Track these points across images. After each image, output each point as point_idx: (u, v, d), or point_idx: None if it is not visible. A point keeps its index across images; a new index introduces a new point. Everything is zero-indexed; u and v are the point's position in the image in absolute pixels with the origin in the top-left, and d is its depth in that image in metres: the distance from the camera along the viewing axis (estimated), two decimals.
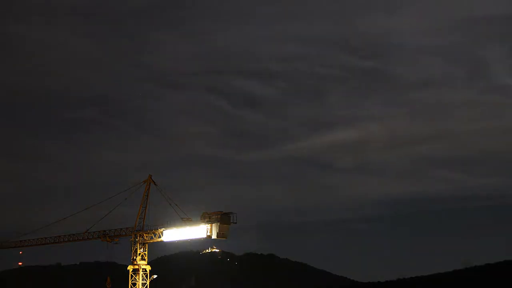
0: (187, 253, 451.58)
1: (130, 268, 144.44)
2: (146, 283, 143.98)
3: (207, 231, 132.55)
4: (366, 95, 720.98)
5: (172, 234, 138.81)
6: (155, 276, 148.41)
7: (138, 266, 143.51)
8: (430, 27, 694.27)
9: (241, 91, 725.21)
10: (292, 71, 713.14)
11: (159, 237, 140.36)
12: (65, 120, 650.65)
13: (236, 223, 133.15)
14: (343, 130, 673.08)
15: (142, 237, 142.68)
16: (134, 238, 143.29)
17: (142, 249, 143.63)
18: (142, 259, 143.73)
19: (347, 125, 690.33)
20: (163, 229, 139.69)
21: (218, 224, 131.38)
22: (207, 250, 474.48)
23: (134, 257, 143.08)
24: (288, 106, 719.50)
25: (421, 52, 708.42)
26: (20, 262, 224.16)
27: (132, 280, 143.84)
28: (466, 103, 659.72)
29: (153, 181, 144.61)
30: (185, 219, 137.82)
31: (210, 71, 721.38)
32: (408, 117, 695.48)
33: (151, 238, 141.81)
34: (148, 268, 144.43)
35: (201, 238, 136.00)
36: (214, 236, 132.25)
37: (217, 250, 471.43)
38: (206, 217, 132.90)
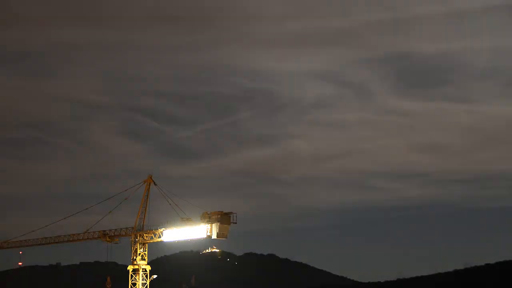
0: (187, 253, 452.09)
1: (130, 268, 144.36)
2: (146, 283, 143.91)
3: (207, 231, 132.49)
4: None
5: (172, 234, 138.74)
6: (155, 276, 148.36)
7: (138, 266, 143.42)
8: None
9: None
10: None
11: (159, 237, 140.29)
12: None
13: (236, 223, 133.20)
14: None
15: (142, 237, 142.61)
16: (134, 238, 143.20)
17: (142, 249, 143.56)
18: (142, 259, 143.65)
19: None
20: (163, 229, 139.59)
21: (218, 224, 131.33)
22: (207, 250, 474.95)
23: (134, 257, 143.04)
24: None
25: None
26: (20, 262, 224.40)
27: (132, 280, 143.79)
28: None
29: (153, 181, 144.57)
30: (185, 219, 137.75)
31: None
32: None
33: (151, 238, 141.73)
34: (148, 268, 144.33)
35: (201, 238, 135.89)
36: (214, 236, 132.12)
37: (217, 250, 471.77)
38: (206, 217, 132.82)
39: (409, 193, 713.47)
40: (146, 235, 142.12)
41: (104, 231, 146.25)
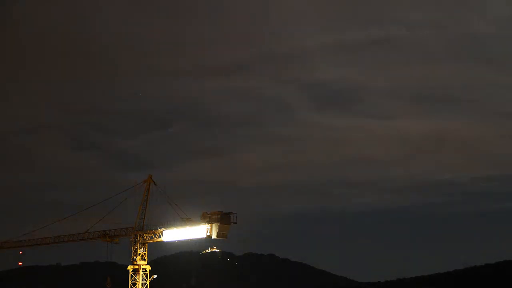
0: (187, 253, 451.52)
1: (130, 268, 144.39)
2: (146, 283, 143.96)
3: (207, 231, 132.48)
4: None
5: (172, 234, 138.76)
6: (155, 276, 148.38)
7: (138, 266, 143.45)
8: None
9: None
10: None
11: (159, 237, 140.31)
12: None
13: (236, 223, 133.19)
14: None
15: (142, 237, 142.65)
16: (134, 238, 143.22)
17: (142, 249, 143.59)
18: (142, 259, 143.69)
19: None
20: (163, 229, 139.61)
21: (218, 224, 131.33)
22: (207, 250, 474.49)
23: (134, 257, 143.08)
24: None
25: None
26: (20, 262, 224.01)
27: (132, 280, 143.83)
28: None
29: (153, 181, 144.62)
30: (185, 219, 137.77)
31: None
32: None
33: (151, 238, 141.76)
34: (148, 268, 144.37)
35: (201, 238, 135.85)
36: (214, 236, 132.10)
37: (217, 250, 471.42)
38: (206, 217, 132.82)
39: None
40: (146, 235, 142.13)
41: (104, 231, 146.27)
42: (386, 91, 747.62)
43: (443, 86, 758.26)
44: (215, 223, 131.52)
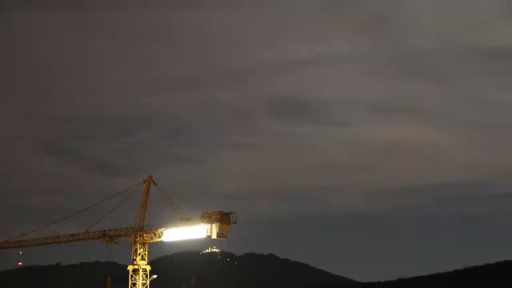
0: (187, 253, 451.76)
1: (130, 268, 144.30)
2: (146, 283, 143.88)
3: (207, 231, 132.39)
4: None
5: (172, 234, 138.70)
6: (155, 276, 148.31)
7: (138, 266, 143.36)
8: None
9: None
10: None
11: (159, 237, 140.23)
12: None
13: (236, 223, 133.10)
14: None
15: (142, 237, 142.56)
16: (134, 238, 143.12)
17: (142, 249, 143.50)
18: (142, 259, 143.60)
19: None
20: (163, 229, 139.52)
21: (218, 224, 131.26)
22: (207, 250, 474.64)
23: (134, 257, 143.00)
24: None
25: None
26: (20, 262, 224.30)
27: (132, 280, 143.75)
28: None
29: (153, 181, 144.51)
30: (185, 219, 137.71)
31: None
32: None
33: (151, 238, 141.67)
34: (148, 268, 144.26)
35: (201, 238, 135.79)
36: (214, 236, 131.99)
37: (217, 250, 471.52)
38: (206, 217, 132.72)
39: None
40: (146, 235, 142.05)
41: (104, 231, 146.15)
42: (343, 101, 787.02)
43: (397, 97, 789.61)
44: (215, 223, 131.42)
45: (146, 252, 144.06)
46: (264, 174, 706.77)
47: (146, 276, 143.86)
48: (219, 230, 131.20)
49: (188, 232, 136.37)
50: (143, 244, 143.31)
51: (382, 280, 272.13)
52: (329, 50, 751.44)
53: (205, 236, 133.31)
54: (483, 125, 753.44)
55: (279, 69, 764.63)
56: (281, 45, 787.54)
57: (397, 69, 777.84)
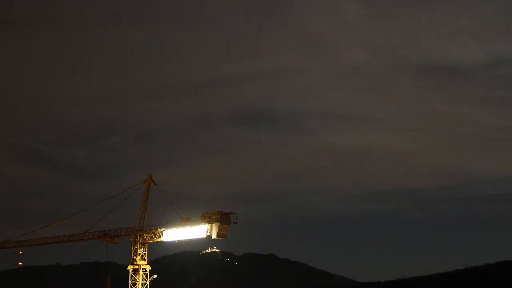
0: (187, 253, 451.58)
1: (130, 268, 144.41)
2: (146, 283, 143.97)
3: (207, 231, 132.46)
4: None
5: (172, 234, 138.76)
6: (155, 276, 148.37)
7: (138, 266, 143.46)
8: None
9: None
10: None
11: (159, 237, 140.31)
12: None
13: (236, 223, 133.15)
14: None
15: (142, 237, 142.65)
16: (134, 238, 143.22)
17: (142, 249, 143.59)
18: (142, 259, 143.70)
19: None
20: (163, 229, 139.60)
21: (218, 224, 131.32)
22: (207, 250, 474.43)
23: (134, 257, 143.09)
24: None
25: None
26: (20, 262, 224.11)
27: (132, 280, 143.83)
28: None
29: (153, 181, 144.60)
30: (185, 219, 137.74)
31: None
32: None
33: (151, 238, 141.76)
34: (148, 268, 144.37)
35: (201, 238, 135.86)
36: (214, 236, 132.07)
37: (217, 250, 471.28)
38: (206, 217, 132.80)
39: None
40: (146, 235, 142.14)
41: (104, 231, 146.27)
42: (303, 110, 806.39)
43: (353, 106, 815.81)
44: (215, 223, 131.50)
45: (146, 252, 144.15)
46: (241, 178, 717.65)
47: (146, 276, 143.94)
48: (219, 230, 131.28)
49: (188, 232, 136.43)
50: (143, 244, 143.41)
51: (382, 280, 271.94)
52: (285, 63, 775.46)
53: (205, 236, 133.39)
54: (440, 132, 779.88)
55: (242, 81, 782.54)
56: (244, 58, 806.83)
57: (345, 81, 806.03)
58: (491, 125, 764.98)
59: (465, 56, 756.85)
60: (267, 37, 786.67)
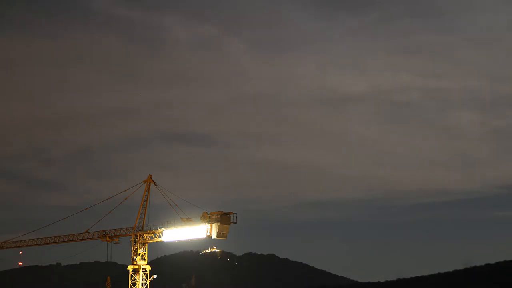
0: (187, 253, 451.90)
1: (130, 268, 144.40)
2: (146, 283, 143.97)
3: (207, 231, 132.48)
4: None
5: (172, 234, 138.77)
6: (155, 276, 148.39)
7: (138, 266, 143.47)
8: None
9: None
10: None
11: (159, 237, 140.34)
12: None
13: (236, 223, 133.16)
14: None
15: (142, 237, 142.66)
16: (134, 238, 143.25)
17: (142, 249, 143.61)
18: (142, 259, 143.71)
19: None
20: (163, 229, 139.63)
21: (218, 224, 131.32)
22: (207, 250, 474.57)
23: (134, 257, 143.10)
24: None
25: None
26: (20, 262, 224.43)
27: (132, 280, 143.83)
28: None
29: (153, 181, 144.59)
30: (185, 219, 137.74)
31: None
32: None
33: (151, 238, 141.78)
34: (148, 268, 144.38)
35: (201, 238, 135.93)
36: (214, 236, 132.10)
37: (217, 250, 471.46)
38: (206, 217, 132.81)
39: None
40: (146, 235, 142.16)
41: (104, 231, 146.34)
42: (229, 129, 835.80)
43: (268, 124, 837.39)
44: (215, 223, 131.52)
45: (146, 252, 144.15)
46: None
47: (146, 276, 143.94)
48: (219, 230, 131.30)
49: (188, 232, 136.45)
50: (143, 244, 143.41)
51: (382, 280, 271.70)
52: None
53: (205, 236, 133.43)
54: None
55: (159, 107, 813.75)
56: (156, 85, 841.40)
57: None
58: None
59: None
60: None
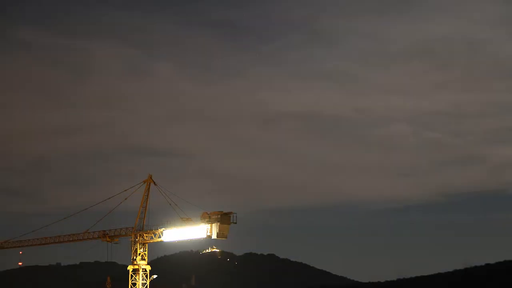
0: (187, 253, 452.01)
1: (130, 268, 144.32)
2: (146, 283, 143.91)
3: (207, 231, 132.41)
4: None
5: (172, 234, 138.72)
6: (155, 276, 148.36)
7: (138, 266, 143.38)
8: None
9: None
10: None
11: (159, 237, 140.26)
12: None
13: (236, 223, 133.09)
14: None
15: (142, 237, 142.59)
16: (134, 238, 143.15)
17: (142, 249, 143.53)
18: (142, 259, 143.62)
19: None
20: (163, 229, 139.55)
21: (218, 224, 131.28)
22: (207, 250, 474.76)
23: (134, 257, 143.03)
24: None
25: None
26: (20, 262, 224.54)
27: (132, 280, 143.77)
28: None
29: (153, 181, 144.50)
30: (185, 219, 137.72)
31: None
32: None
33: (151, 238, 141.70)
34: (148, 268, 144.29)
35: (201, 238, 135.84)
36: (214, 236, 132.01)
37: (217, 250, 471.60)
38: (206, 217, 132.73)
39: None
40: (146, 235, 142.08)
41: (104, 231, 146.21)
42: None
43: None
44: (215, 223, 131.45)
45: (146, 252, 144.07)
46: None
47: (146, 276, 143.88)
48: (219, 230, 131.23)
49: (188, 232, 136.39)
50: (143, 244, 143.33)
51: (382, 280, 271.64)
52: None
53: (205, 236, 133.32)
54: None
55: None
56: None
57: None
58: None
59: None
60: None
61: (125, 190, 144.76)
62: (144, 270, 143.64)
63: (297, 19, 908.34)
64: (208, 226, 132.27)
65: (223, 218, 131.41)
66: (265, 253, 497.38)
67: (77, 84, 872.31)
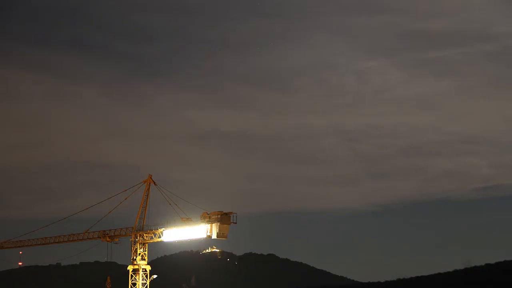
0: (187, 253, 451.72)
1: (130, 268, 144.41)
2: (146, 283, 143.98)
3: (207, 231, 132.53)
4: None
5: (172, 234, 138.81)
6: (155, 276, 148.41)
7: (138, 266, 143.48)
8: None
9: None
10: None
11: (159, 237, 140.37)
12: None
13: (236, 223, 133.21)
14: None
15: (142, 237, 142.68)
16: (134, 238, 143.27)
17: (142, 249, 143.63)
18: (142, 259, 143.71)
19: None
20: (163, 229, 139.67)
21: (218, 224, 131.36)
22: (207, 250, 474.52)
23: (134, 257, 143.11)
24: None
25: None
26: (20, 262, 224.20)
27: (132, 280, 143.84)
28: None
29: (153, 181, 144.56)
30: (185, 219, 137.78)
31: None
32: None
33: (151, 238, 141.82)
34: (148, 268, 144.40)
35: (201, 238, 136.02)
36: (214, 236, 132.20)
37: (217, 250, 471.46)
38: (206, 217, 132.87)
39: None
40: (146, 235, 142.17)
41: (104, 231, 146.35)
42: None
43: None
44: (215, 223, 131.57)
45: (146, 252, 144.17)
46: None
47: (146, 276, 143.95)
48: (219, 230, 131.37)
49: (188, 232, 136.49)
50: (143, 244, 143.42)
51: (382, 280, 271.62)
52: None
53: (205, 236, 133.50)
54: None
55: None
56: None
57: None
58: None
59: None
60: None
61: (125, 190, 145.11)
62: (144, 270, 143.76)
63: None
64: (208, 226, 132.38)
65: (223, 218, 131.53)
66: (265, 253, 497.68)
67: None
